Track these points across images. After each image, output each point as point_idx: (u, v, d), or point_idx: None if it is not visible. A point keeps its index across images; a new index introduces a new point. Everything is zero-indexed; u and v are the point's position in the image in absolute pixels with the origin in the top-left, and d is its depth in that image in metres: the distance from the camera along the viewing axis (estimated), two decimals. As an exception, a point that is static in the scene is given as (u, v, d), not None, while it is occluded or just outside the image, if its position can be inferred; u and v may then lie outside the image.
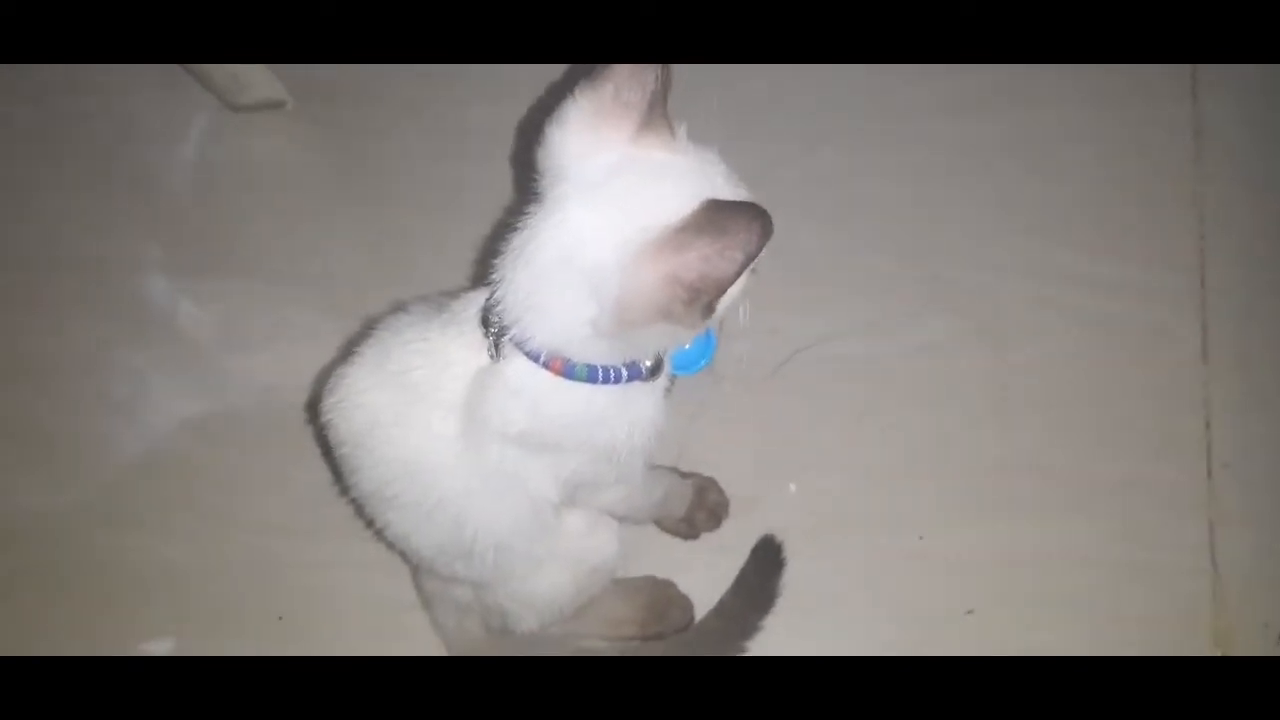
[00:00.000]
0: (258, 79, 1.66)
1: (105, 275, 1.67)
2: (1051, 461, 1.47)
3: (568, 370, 0.99)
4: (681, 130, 0.98)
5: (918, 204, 1.60)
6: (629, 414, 1.05)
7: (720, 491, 1.44)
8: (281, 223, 1.68)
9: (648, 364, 1.04)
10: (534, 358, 0.98)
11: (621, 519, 1.25)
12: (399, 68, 1.65)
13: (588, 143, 0.95)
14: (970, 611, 1.41)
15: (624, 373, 1.02)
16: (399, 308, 1.13)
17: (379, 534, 1.21)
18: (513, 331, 0.97)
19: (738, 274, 0.90)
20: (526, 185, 0.99)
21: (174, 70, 1.66)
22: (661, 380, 1.08)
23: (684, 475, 1.41)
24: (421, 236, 1.63)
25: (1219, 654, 1.38)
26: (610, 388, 1.01)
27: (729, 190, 0.95)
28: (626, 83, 0.94)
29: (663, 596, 1.39)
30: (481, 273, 1.03)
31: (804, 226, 1.55)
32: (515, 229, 0.97)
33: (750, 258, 0.89)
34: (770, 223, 0.87)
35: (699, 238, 0.88)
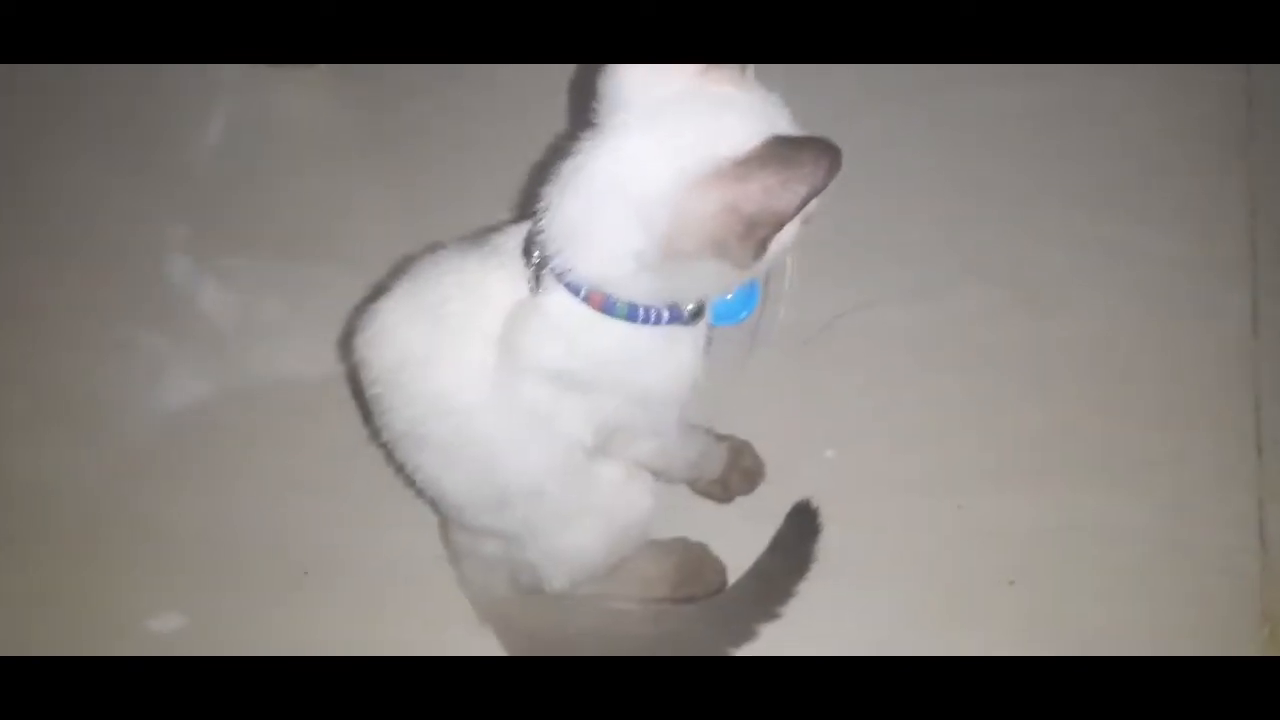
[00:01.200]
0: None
1: (127, 253, 1.67)
2: (1095, 433, 1.44)
3: (608, 306, 0.96)
4: (750, 70, 0.96)
5: (960, 172, 1.59)
6: (667, 359, 1.03)
7: (755, 455, 1.41)
8: (308, 194, 1.68)
9: (690, 308, 1.01)
10: (574, 290, 0.96)
11: (656, 475, 1.23)
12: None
13: (654, 72, 0.93)
14: (1011, 582, 1.37)
15: (665, 314, 0.99)
16: (435, 246, 1.12)
17: (409, 481, 1.19)
18: (555, 261, 0.95)
19: (799, 208, 0.88)
20: (582, 113, 0.96)
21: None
22: (702, 327, 1.06)
23: (720, 437, 1.38)
24: (451, 202, 1.62)
25: (1267, 631, 1.34)
26: (650, 329, 0.99)
27: (792, 130, 0.93)
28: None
29: (695, 558, 1.36)
30: (526, 205, 1.01)
31: (846, 194, 1.49)
32: (567, 155, 0.95)
33: (815, 192, 0.88)
34: (839, 157, 0.87)
35: (763, 169, 0.87)
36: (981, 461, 1.44)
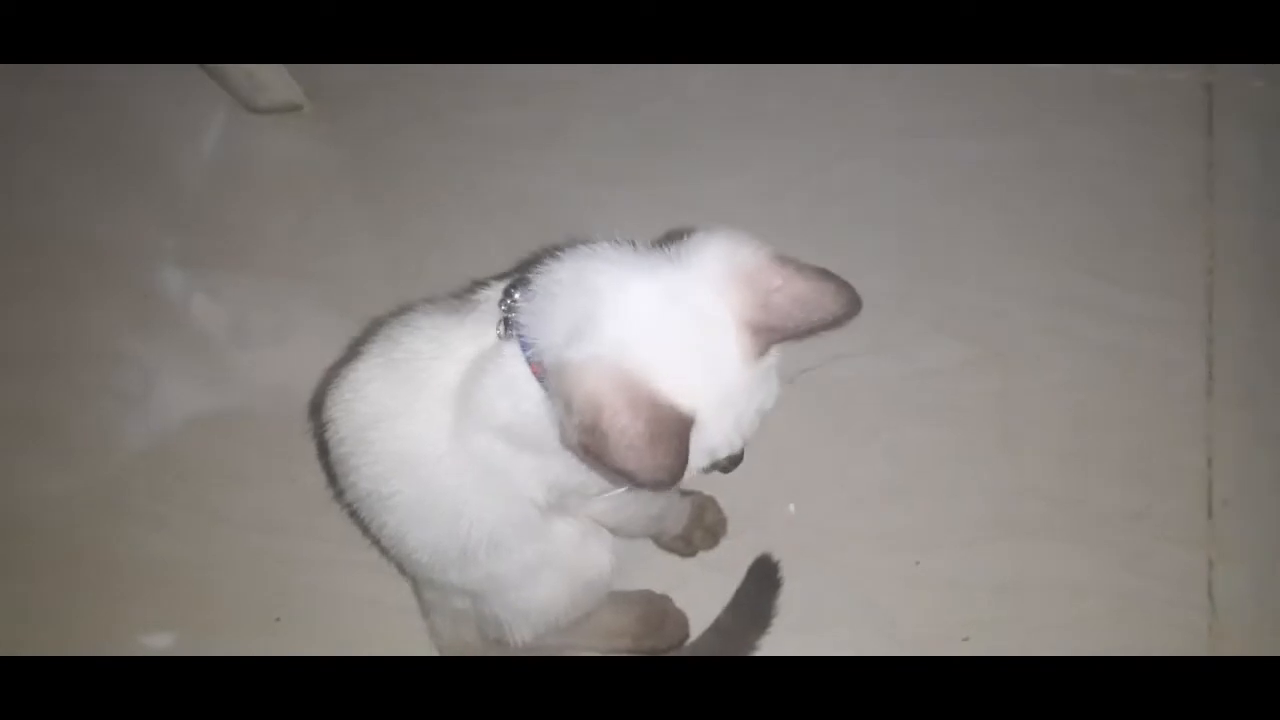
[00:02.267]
0: (275, 81, 1.68)
1: (119, 267, 1.68)
2: (1052, 489, 1.47)
3: (542, 377, 0.97)
4: (770, 361, 0.97)
5: (929, 225, 1.61)
6: None
7: (719, 510, 1.44)
8: (296, 221, 1.69)
9: None
10: (525, 348, 0.97)
11: (614, 531, 1.25)
12: (415, 72, 1.67)
13: (720, 276, 0.93)
14: (966, 639, 1.41)
15: None
16: (405, 308, 1.14)
17: (375, 541, 1.22)
18: (522, 312, 0.97)
19: (617, 472, 0.89)
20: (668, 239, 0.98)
21: (193, 67, 1.67)
22: None
23: (683, 493, 1.41)
24: (434, 239, 1.64)
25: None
26: None
27: (731, 430, 0.95)
28: (789, 298, 0.93)
29: (658, 611, 1.39)
30: (528, 264, 1.02)
31: (813, 244, 1.53)
32: (612, 242, 0.97)
33: (636, 481, 0.90)
34: (666, 487, 0.90)
35: (635, 416, 0.88)
36: (941, 517, 1.47)
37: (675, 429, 0.90)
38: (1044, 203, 1.61)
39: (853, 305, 0.94)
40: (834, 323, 0.95)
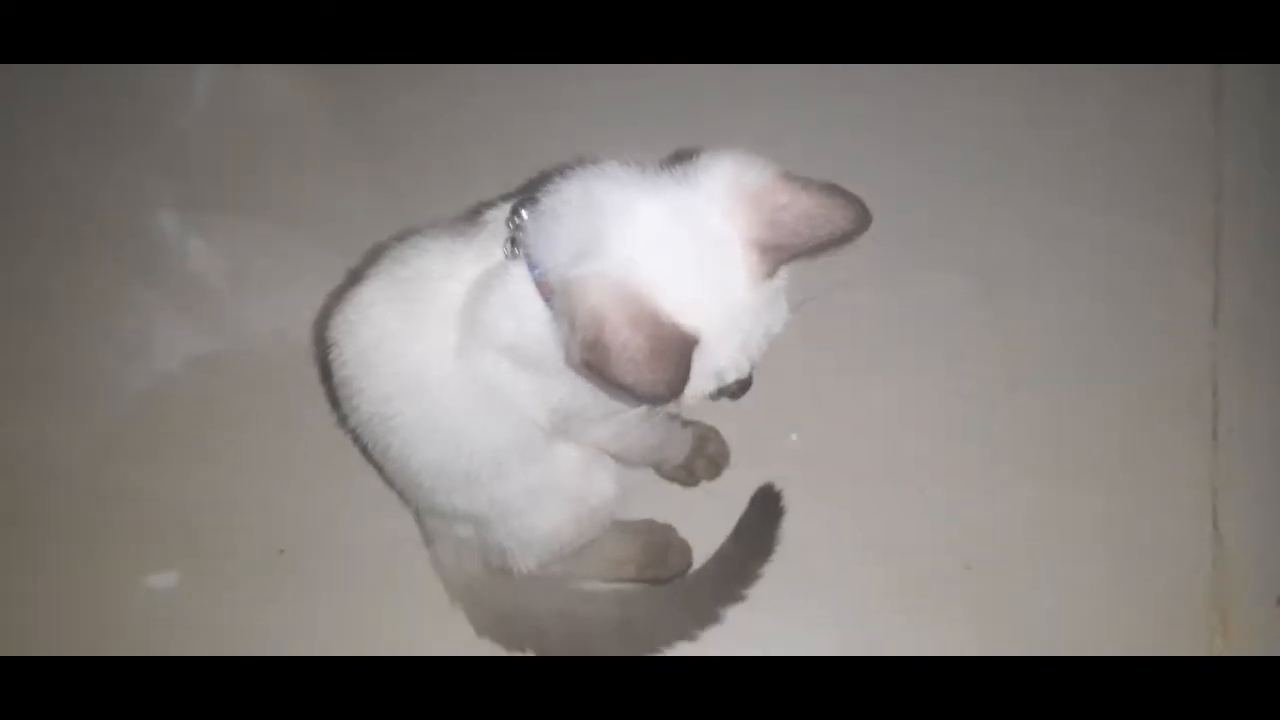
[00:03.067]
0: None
1: (117, 214, 1.67)
2: (1056, 421, 1.47)
3: (549, 296, 0.96)
4: (778, 282, 0.96)
5: (932, 160, 1.59)
6: None
7: (721, 440, 1.44)
8: (293, 164, 1.68)
9: None
10: (532, 268, 0.96)
11: (618, 460, 1.25)
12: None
13: (728, 196, 0.93)
14: (968, 567, 1.41)
15: None
16: (410, 232, 1.13)
17: (379, 468, 1.22)
18: (529, 230, 0.97)
19: (619, 387, 0.89)
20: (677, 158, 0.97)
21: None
22: None
23: (686, 423, 1.41)
24: (431, 182, 1.62)
25: (1218, 618, 1.38)
26: None
27: (738, 353, 0.96)
28: (795, 215, 0.92)
29: (662, 540, 1.40)
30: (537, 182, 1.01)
31: (821, 175, 1.54)
32: (603, 168, 0.96)
33: (637, 396, 0.90)
34: (664, 401, 0.90)
35: (636, 332, 0.88)
36: (944, 447, 1.47)
37: (677, 346, 0.89)
38: (1050, 136, 1.60)
39: (862, 219, 0.93)
40: (843, 238, 0.94)
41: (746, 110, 1.62)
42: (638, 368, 0.87)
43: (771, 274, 0.94)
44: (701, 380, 0.94)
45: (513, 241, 0.99)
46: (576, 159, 1.00)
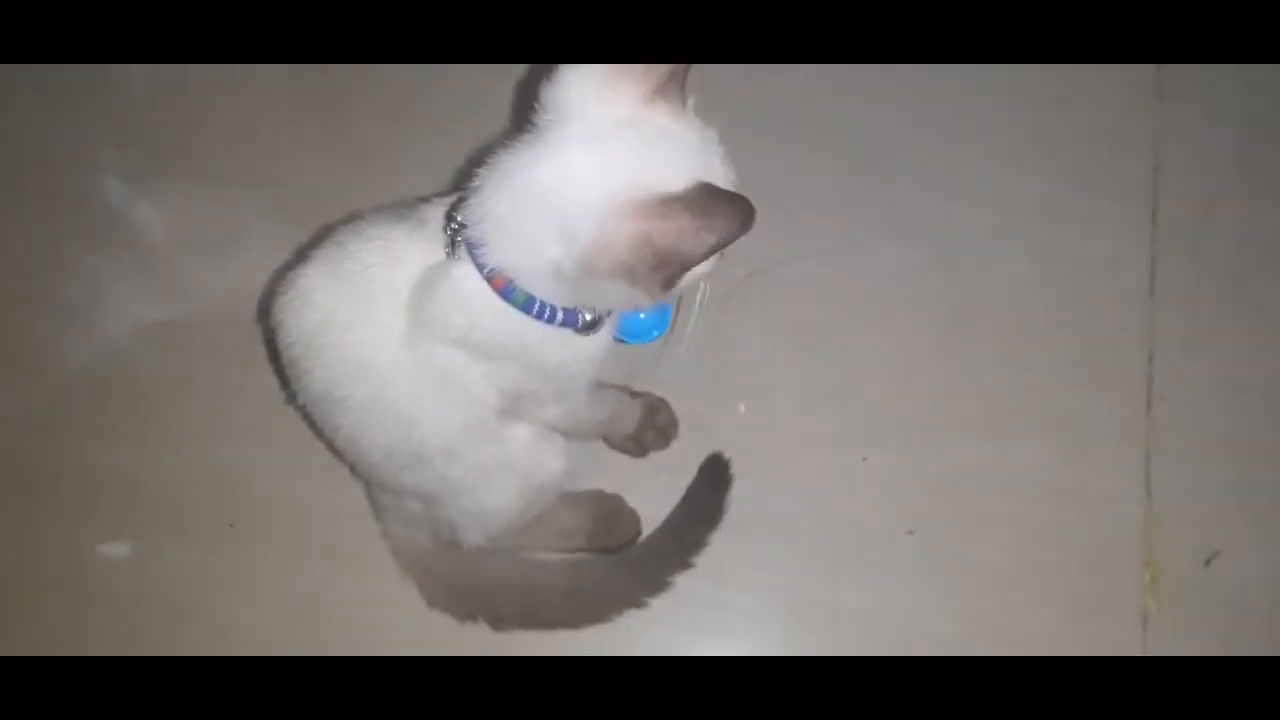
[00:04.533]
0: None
1: (56, 176, 1.63)
2: (997, 386, 1.50)
3: (506, 291, 0.99)
4: (691, 103, 0.99)
5: (877, 132, 1.60)
6: (559, 350, 1.06)
7: (670, 411, 1.46)
8: (240, 127, 1.65)
9: (587, 316, 1.04)
10: (480, 267, 0.99)
11: (566, 435, 1.27)
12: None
13: (599, 92, 0.96)
14: (910, 532, 1.45)
15: (560, 315, 1.02)
16: (355, 216, 1.13)
17: (328, 444, 1.22)
18: (472, 234, 0.98)
19: (706, 256, 0.92)
20: (525, 113, 0.99)
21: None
22: (600, 336, 1.09)
23: (634, 394, 1.42)
24: (381, 148, 1.61)
25: (1149, 576, 1.43)
26: (540, 324, 1.02)
27: (723, 174, 0.97)
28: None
29: (610, 509, 1.42)
30: (460, 181, 1.03)
31: (764, 148, 1.52)
32: (507, 148, 0.98)
33: (723, 244, 0.91)
34: (752, 219, 0.90)
35: (683, 211, 0.90)
36: (887, 415, 1.50)
37: (704, 194, 0.91)
38: (989, 106, 1.61)
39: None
40: None
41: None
42: (704, 233, 0.90)
43: (682, 105, 0.98)
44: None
45: (454, 244, 1.01)
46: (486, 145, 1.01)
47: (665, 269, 0.93)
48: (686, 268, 0.94)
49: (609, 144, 0.94)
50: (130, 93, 1.67)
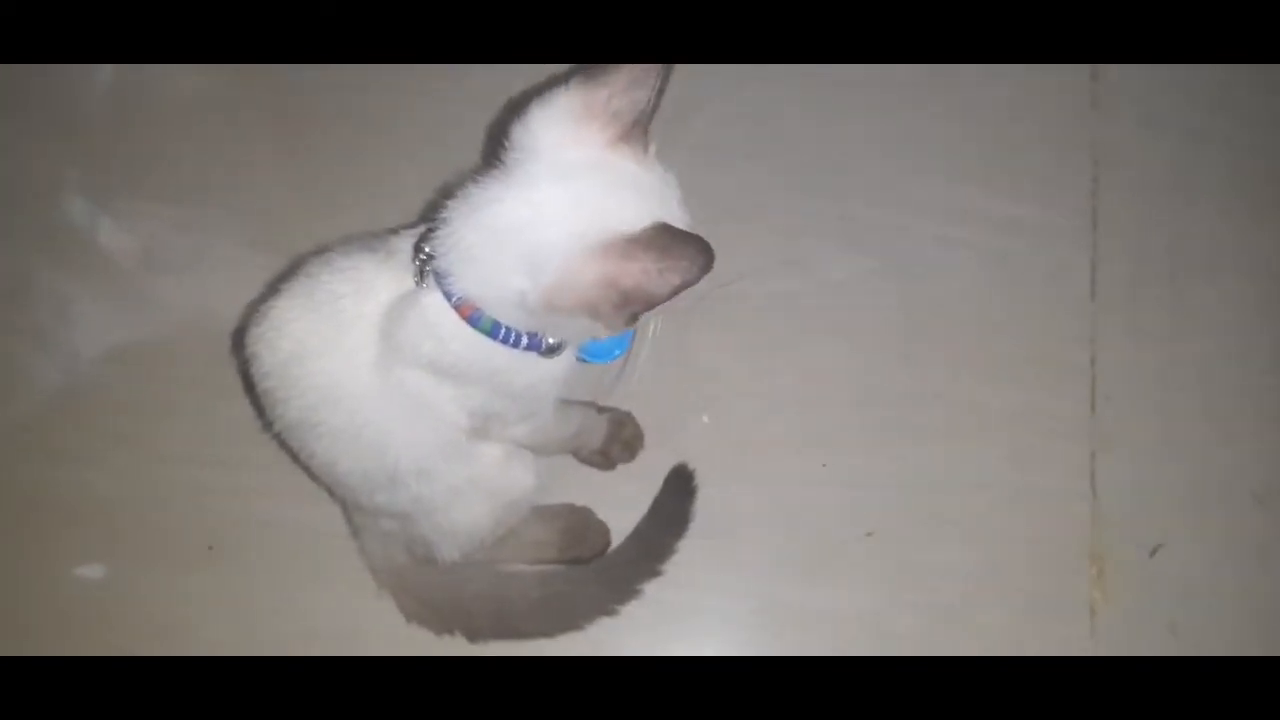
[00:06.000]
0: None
1: (20, 198, 1.65)
2: (949, 392, 1.56)
3: (473, 318, 1.04)
4: (653, 149, 1.03)
5: (833, 145, 1.65)
6: (525, 373, 1.11)
7: (635, 425, 1.50)
8: (206, 149, 1.67)
9: (550, 341, 1.08)
10: (448, 296, 1.03)
11: (535, 451, 1.31)
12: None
13: (567, 134, 1.00)
14: (870, 533, 1.50)
15: (525, 339, 1.06)
16: (324, 248, 1.17)
17: (305, 467, 1.26)
18: (440, 264, 1.02)
19: (670, 296, 0.96)
20: (494, 152, 1.03)
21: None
22: (564, 358, 1.13)
23: (600, 410, 1.47)
24: (349, 173, 1.64)
25: (1095, 570, 1.50)
26: (506, 348, 1.06)
27: (681, 216, 1.02)
28: (621, 93, 1.00)
29: (580, 522, 1.46)
30: (429, 212, 1.08)
31: (722, 166, 1.60)
32: (476, 183, 1.02)
33: (686, 285, 0.95)
34: (711, 260, 0.94)
35: (646, 253, 0.94)
36: (845, 421, 1.55)
37: (665, 236, 0.95)
38: (935, 121, 1.66)
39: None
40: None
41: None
42: (668, 274, 0.94)
43: (644, 147, 1.02)
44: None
45: (422, 274, 1.05)
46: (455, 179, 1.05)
47: (630, 307, 0.97)
48: (651, 306, 0.98)
49: (575, 184, 0.99)
50: (96, 114, 1.69)
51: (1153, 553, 1.51)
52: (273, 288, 1.17)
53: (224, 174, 1.66)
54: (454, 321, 1.04)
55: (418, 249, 1.06)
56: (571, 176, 0.99)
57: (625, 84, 1.00)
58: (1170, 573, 1.50)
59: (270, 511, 1.49)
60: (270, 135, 1.69)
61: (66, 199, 1.65)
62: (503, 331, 1.04)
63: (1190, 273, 1.61)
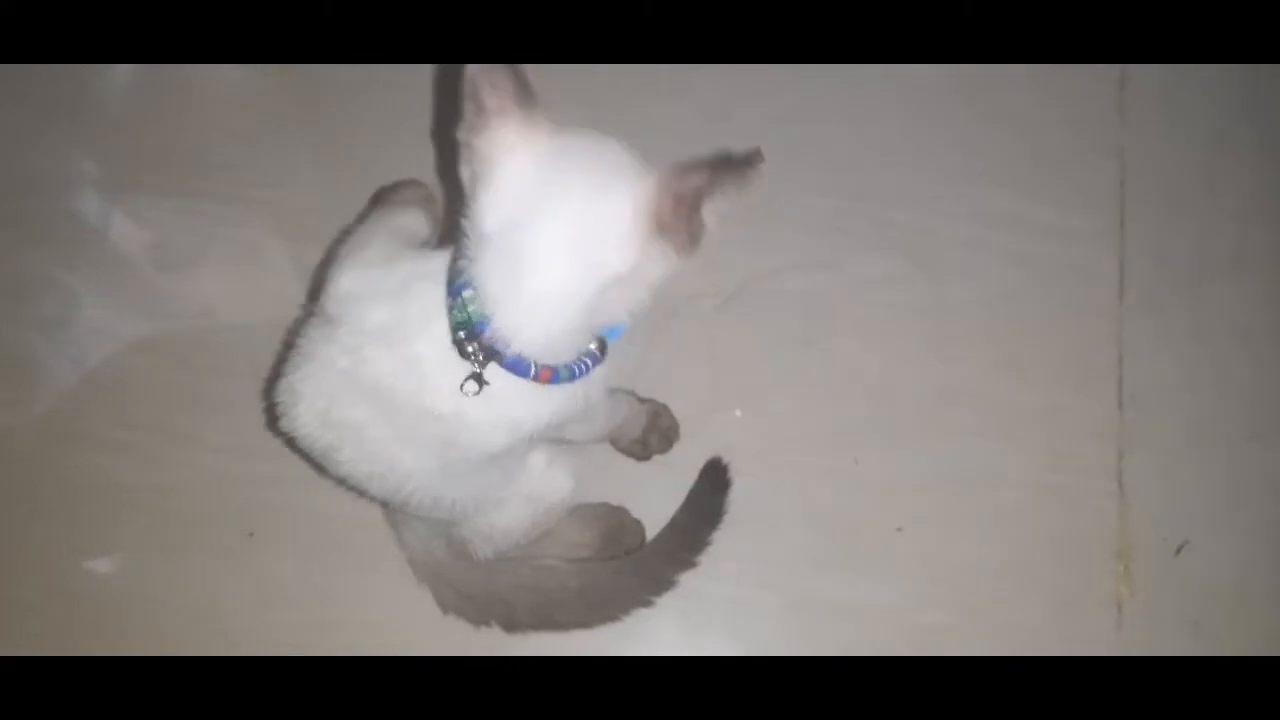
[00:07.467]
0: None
1: (38, 192, 1.65)
2: (979, 390, 1.58)
3: (554, 377, 1.02)
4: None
5: (867, 146, 1.67)
6: (597, 384, 1.11)
7: (671, 416, 1.52)
8: (218, 142, 1.68)
9: (594, 347, 1.07)
10: (522, 372, 1.00)
11: (584, 441, 1.33)
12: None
13: (508, 143, 0.97)
14: (900, 529, 1.52)
15: (589, 363, 1.06)
16: (345, 231, 1.21)
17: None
18: (505, 355, 0.99)
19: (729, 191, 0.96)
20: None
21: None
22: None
23: (640, 400, 1.49)
24: (365, 162, 1.62)
25: (1122, 567, 1.52)
26: (583, 379, 1.06)
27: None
28: (486, 86, 0.97)
29: (616, 523, 1.48)
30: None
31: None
32: (487, 248, 0.98)
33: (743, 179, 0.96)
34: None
35: (694, 170, 0.96)
36: (876, 418, 1.57)
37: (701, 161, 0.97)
38: (966, 127, 1.69)
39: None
40: None
41: (679, 100, 1.67)
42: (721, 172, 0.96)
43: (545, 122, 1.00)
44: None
45: (478, 378, 1.01)
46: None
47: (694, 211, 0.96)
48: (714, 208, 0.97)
49: (562, 202, 0.97)
50: (108, 108, 1.69)
51: (1179, 550, 1.53)
52: (291, 348, 1.14)
53: (238, 164, 1.66)
54: (538, 392, 1.03)
55: (461, 348, 0.99)
56: (554, 191, 0.97)
57: (482, 77, 0.97)
58: (1196, 569, 1.53)
59: (311, 500, 1.47)
60: (291, 127, 1.69)
61: (81, 192, 1.66)
62: (578, 369, 1.04)
63: (1216, 274, 1.63)
